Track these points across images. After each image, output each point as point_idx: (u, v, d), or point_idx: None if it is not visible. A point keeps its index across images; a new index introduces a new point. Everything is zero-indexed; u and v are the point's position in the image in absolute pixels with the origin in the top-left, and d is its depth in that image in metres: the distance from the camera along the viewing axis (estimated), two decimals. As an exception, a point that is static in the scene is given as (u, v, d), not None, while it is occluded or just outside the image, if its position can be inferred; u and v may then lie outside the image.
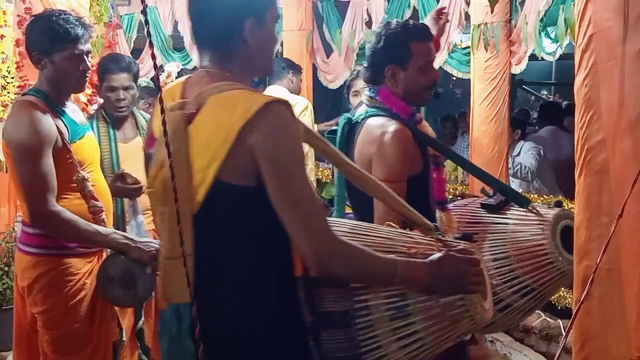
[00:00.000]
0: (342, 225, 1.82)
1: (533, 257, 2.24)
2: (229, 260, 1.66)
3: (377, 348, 1.72)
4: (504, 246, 2.28)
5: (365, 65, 2.58)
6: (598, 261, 1.72)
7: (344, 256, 1.65)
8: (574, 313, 1.84)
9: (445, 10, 3.07)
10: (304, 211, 1.60)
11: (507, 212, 2.39)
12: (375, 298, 1.73)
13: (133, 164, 3.09)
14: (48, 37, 2.52)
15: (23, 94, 2.65)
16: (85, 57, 2.58)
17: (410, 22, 2.67)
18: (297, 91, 5.52)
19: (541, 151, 5.32)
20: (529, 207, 2.35)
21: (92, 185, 2.56)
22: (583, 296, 1.78)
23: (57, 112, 2.55)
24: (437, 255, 1.74)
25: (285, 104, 1.63)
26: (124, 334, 2.87)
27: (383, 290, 1.74)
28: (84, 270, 2.57)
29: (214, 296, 1.65)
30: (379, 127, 2.40)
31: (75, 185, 2.52)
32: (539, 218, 2.29)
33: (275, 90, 5.64)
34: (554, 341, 4.15)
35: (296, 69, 5.49)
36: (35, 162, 2.40)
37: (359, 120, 2.50)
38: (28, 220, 2.49)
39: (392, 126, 2.38)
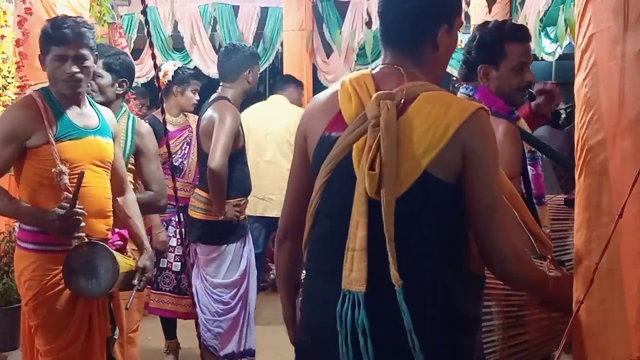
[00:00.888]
0: None
1: None
2: (418, 247, 1.73)
3: (492, 352, 1.86)
4: None
5: (461, 63, 2.66)
6: (598, 261, 1.72)
7: (522, 259, 1.79)
8: (574, 313, 1.84)
9: None
10: (500, 213, 1.75)
11: None
12: (498, 305, 1.88)
13: None
14: (41, 39, 2.75)
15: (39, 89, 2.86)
16: (72, 60, 2.69)
17: (508, 22, 2.75)
18: (297, 102, 5.60)
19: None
20: None
21: (81, 187, 2.63)
22: (583, 296, 1.78)
23: (55, 110, 2.73)
24: (563, 274, 1.92)
25: (488, 112, 1.78)
26: (117, 331, 2.96)
27: (505, 299, 1.89)
28: (59, 267, 2.71)
29: (412, 279, 1.69)
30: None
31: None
32: None
33: (277, 99, 5.67)
34: (554, 341, 4.14)
35: (298, 83, 5.64)
36: None
37: None
38: None
39: (499, 125, 2.43)
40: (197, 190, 4.19)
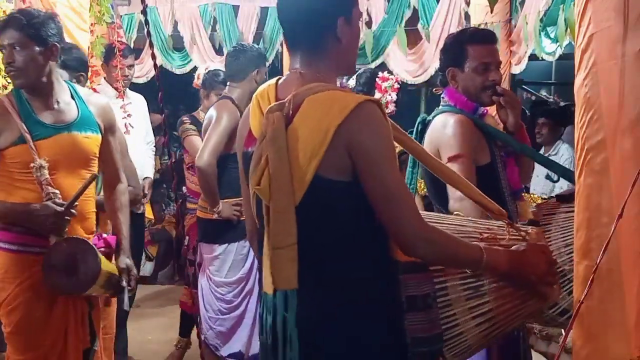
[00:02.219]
0: None
1: None
2: (328, 248, 1.79)
3: (455, 326, 1.88)
4: (571, 232, 2.35)
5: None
6: (598, 261, 1.72)
7: (437, 243, 1.80)
8: (574, 313, 1.84)
9: None
10: (398, 202, 1.76)
11: None
12: (452, 279, 1.89)
13: None
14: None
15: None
16: (7, 48, 2.62)
17: (471, 27, 2.95)
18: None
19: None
20: None
21: (65, 188, 2.58)
22: (583, 296, 1.78)
23: (23, 111, 2.63)
24: (520, 246, 1.91)
25: (377, 103, 1.79)
26: (96, 342, 2.80)
27: (459, 272, 1.90)
28: (34, 269, 2.59)
29: (317, 282, 1.78)
30: (442, 119, 2.67)
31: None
32: None
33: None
34: (554, 341, 4.15)
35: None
36: None
37: (431, 119, 2.75)
38: None
39: (452, 117, 2.64)
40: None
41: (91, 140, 2.74)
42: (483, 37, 2.77)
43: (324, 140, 1.73)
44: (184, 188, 4.82)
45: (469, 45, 2.69)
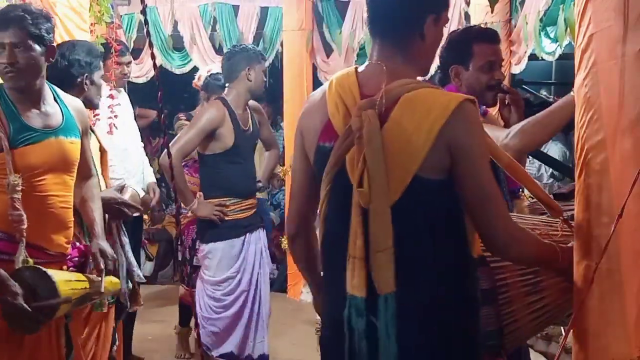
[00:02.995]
0: None
1: None
2: (423, 248, 1.79)
3: (514, 322, 1.93)
4: None
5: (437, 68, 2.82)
6: (598, 261, 1.72)
7: (526, 242, 1.84)
8: (574, 313, 1.84)
9: None
10: (493, 202, 1.78)
11: None
12: (512, 276, 1.94)
13: None
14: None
15: None
16: (9, 48, 2.49)
17: (476, 26, 3.09)
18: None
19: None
20: None
21: (48, 196, 2.49)
22: (583, 296, 1.78)
23: (8, 112, 2.47)
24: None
25: (474, 102, 1.78)
26: (72, 354, 2.74)
27: (519, 269, 1.95)
28: None
29: (409, 283, 1.77)
30: None
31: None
32: None
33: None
34: (554, 341, 4.15)
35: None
36: None
37: None
38: None
39: None
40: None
41: (75, 145, 2.67)
42: (489, 36, 2.78)
43: (427, 141, 1.72)
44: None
45: (475, 44, 2.68)
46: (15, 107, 2.50)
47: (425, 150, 1.72)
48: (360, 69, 1.90)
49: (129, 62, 4.74)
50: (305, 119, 1.97)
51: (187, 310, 4.83)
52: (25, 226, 2.44)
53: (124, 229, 3.18)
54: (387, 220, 1.73)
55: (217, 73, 4.84)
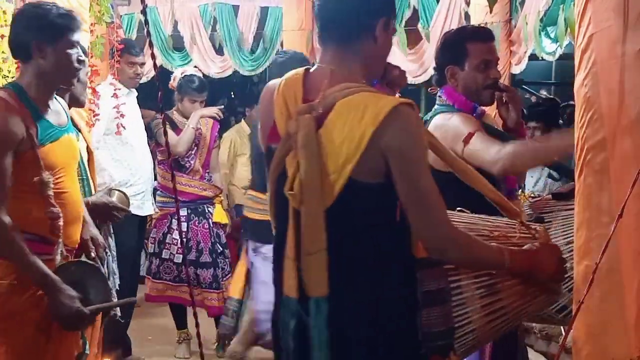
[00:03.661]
0: None
1: None
2: (358, 251, 1.80)
3: (468, 323, 1.90)
4: (572, 229, 2.34)
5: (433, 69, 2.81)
6: (598, 261, 1.72)
7: (464, 245, 1.82)
8: (573, 313, 1.84)
9: None
10: (430, 205, 1.77)
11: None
12: (466, 278, 1.91)
13: None
14: (48, 26, 2.41)
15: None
16: (78, 47, 2.48)
17: (469, 25, 2.91)
18: None
19: None
20: None
21: (63, 193, 2.47)
22: (583, 296, 1.78)
23: (31, 110, 2.43)
24: (532, 246, 1.92)
25: (411, 105, 1.77)
26: (87, 346, 2.71)
27: (473, 270, 1.91)
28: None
29: (345, 286, 1.79)
30: (440, 120, 2.66)
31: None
32: None
33: None
34: (554, 341, 4.15)
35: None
36: None
37: (429, 119, 2.74)
38: None
39: (455, 115, 2.63)
40: (252, 192, 4.16)
41: (77, 141, 2.69)
42: (483, 35, 2.77)
43: (359, 146, 1.72)
44: (155, 182, 4.82)
45: (469, 43, 2.68)
46: (36, 105, 2.48)
47: (358, 154, 1.72)
48: (311, 70, 1.91)
49: (143, 63, 4.75)
50: (261, 111, 1.99)
51: (179, 311, 4.81)
52: (62, 223, 2.46)
53: (112, 232, 3.17)
54: (319, 224, 1.75)
55: (192, 75, 4.85)
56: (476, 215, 2.07)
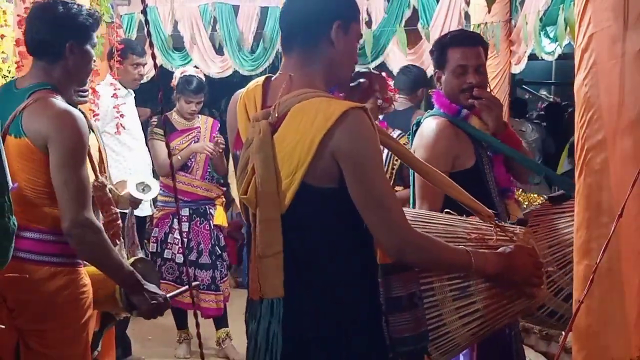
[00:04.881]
0: (406, 214, 1.94)
1: None
2: (315, 255, 1.81)
3: (442, 326, 1.89)
4: (555, 233, 2.37)
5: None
6: (598, 261, 1.72)
7: (422, 248, 1.82)
8: (574, 313, 1.84)
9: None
10: (385, 208, 1.76)
11: (569, 202, 2.45)
12: (439, 280, 1.90)
13: None
14: (81, 27, 2.40)
15: (35, 89, 2.35)
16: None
17: (454, 31, 3.18)
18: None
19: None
20: None
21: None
22: (583, 296, 1.78)
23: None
24: (507, 248, 1.91)
25: (363, 109, 1.77)
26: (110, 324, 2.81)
27: (446, 273, 1.90)
28: (89, 282, 2.44)
29: (303, 289, 1.80)
30: (425, 124, 2.73)
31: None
32: None
33: None
34: (554, 341, 4.15)
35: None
36: (81, 165, 2.28)
37: (422, 122, 2.81)
38: (65, 226, 2.26)
39: (435, 121, 2.70)
40: None
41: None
42: (462, 40, 2.79)
43: (309, 150, 1.74)
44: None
45: (449, 49, 2.74)
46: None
47: (309, 159, 1.74)
48: (273, 78, 1.93)
49: (145, 63, 4.76)
50: (228, 119, 2.01)
51: (180, 311, 4.82)
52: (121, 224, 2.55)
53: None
54: (274, 228, 1.77)
55: (191, 75, 4.83)
56: (458, 218, 2.06)
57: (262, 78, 1.93)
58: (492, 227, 1.99)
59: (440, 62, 2.77)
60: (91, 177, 2.41)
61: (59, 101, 2.33)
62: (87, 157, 2.38)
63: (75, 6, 2.42)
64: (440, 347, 1.90)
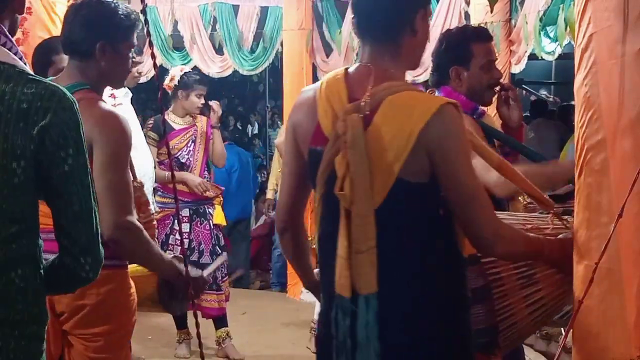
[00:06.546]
0: None
1: None
2: (407, 250, 1.81)
3: (511, 316, 1.94)
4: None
5: (430, 70, 2.82)
6: (598, 261, 1.72)
7: (513, 240, 1.87)
8: (573, 313, 1.84)
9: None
10: (477, 202, 1.80)
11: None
12: (506, 270, 1.96)
13: None
14: (115, 27, 2.35)
15: (74, 89, 2.22)
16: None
17: (470, 25, 3.17)
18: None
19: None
20: None
21: None
22: (583, 296, 1.78)
23: None
24: (568, 234, 1.97)
25: (455, 105, 1.80)
26: None
27: (511, 262, 1.97)
28: (133, 285, 2.43)
29: (394, 283, 1.80)
30: None
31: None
32: None
33: None
34: (554, 341, 4.16)
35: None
36: (125, 167, 2.26)
37: None
38: (108, 230, 2.16)
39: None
40: None
41: None
42: (485, 36, 2.82)
43: (407, 144, 1.74)
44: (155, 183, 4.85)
45: (473, 44, 2.70)
46: None
47: (406, 153, 1.74)
48: (350, 69, 1.91)
49: (142, 62, 4.79)
50: (297, 116, 1.97)
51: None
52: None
53: None
54: (369, 223, 1.76)
55: (190, 71, 4.96)
56: (504, 212, 2.13)
57: (341, 70, 1.91)
58: (539, 218, 2.05)
59: (463, 58, 2.70)
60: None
61: (103, 102, 2.31)
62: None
63: (113, 6, 2.35)
64: (507, 337, 1.95)
